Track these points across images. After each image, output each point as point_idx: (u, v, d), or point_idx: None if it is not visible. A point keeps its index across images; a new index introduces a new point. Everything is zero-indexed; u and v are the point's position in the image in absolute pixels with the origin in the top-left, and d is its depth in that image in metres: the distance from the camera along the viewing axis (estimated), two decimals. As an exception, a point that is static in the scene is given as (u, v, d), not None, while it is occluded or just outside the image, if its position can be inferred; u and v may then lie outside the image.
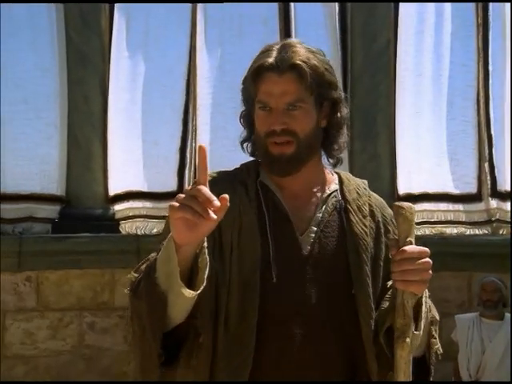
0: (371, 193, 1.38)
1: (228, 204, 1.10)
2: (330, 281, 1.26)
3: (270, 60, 1.28)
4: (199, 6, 3.56)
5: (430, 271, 1.20)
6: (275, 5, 3.61)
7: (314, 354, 1.27)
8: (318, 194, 1.33)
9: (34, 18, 3.37)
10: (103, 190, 3.39)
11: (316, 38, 3.65)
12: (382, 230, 1.34)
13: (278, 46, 1.31)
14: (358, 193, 1.35)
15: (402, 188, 3.59)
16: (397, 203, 1.22)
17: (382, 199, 1.39)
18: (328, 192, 1.33)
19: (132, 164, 3.35)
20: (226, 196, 1.09)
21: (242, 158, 3.39)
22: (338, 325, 1.28)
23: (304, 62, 1.28)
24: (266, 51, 1.30)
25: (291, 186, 1.33)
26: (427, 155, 3.59)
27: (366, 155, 3.63)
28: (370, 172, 3.58)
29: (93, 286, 3.22)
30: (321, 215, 1.31)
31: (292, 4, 3.65)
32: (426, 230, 3.53)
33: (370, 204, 1.34)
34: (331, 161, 1.36)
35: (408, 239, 1.20)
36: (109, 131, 3.41)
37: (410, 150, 3.61)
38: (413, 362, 1.22)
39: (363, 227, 1.33)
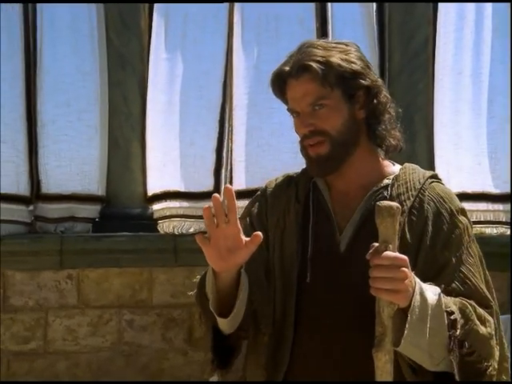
0: (433, 186, 1.33)
1: (261, 239, 1.14)
2: (363, 281, 1.25)
3: (286, 68, 1.31)
4: (236, 8, 3.58)
5: (407, 281, 1.13)
6: (311, 5, 3.61)
7: (341, 355, 1.28)
8: (367, 191, 1.33)
9: (75, 23, 3.45)
10: (142, 189, 3.46)
11: (353, 37, 3.62)
12: (430, 227, 1.29)
13: (295, 51, 1.34)
14: (407, 187, 1.32)
15: (441, 188, 3.55)
16: (378, 202, 1.16)
17: (447, 193, 1.34)
18: (375, 188, 1.32)
19: (169, 164, 3.41)
20: (259, 233, 1.13)
21: (277, 158, 3.45)
22: (366, 326, 1.26)
23: (315, 60, 1.30)
24: (286, 60, 1.33)
25: (340, 185, 1.34)
26: (466, 154, 3.54)
27: (404, 154, 3.55)
28: (408, 172, 3.56)
29: (131, 284, 3.29)
30: (360, 213, 1.31)
31: (329, 4, 3.64)
32: (465, 230, 3.49)
33: (419, 199, 1.31)
34: (383, 150, 1.34)
35: (385, 243, 1.13)
36: (147, 132, 3.47)
37: (448, 149, 3.56)
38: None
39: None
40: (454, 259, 1.29)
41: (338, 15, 3.66)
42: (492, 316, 1.28)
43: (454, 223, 1.31)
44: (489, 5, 3.66)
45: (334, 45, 1.38)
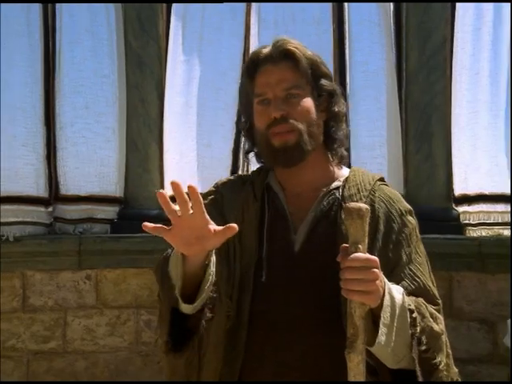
0: (382, 187, 1.35)
1: (235, 230, 1.14)
2: (318, 279, 1.28)
3: (265, 51, 1.31)
4: (253, 9, 3.60)
5: (378, 282, 1.13)
6: (328, 5, 3.62)
7: (301, 354, 1.28)
8: (319, 193, 1.34)
9: (93, 26, 3.48)
10: (159, 191, 3.48)
11: (370, 37, 3.64)
12: (382, 227, 1.30)
13: (272, 42, 1.35)
14: (358, 189, 1.33)
15: (458, 189, 3.53)
16: (346, 204, 1.15)
17: (395, 194, 1.35)
18: (326, 190, 1.34)
19: (186, 166, 3.43)
20: (234, 226, 1.13)
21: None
22: (324, 322, 1.29)
23: (297, 49, 1.31)
24: (260, 47, 1.34)
25: (293, 186, 1.35)
26: (484, 155, 3.52)
27: (421, 155, 3.58)
28: (425, 172, 3.54)
29: (149, 285, 3.32)
30: (313, 214, 1.32)
31: (345, 4, 3.64)
32: (483, 232, 3.47)
33: (371, 199, 1.32)
34: (334, 157, 1.35)
35: (355, 245, 1.13)
36: (164, 134, 3.50)
37: (466, 150, 3.55)
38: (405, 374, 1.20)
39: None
40: (404, 257, 1.30)
41: (354, 16, 3.66)
42: (440, 313, 1.30)
43: (403, 223, 1.32)
44: (507, 5, 3.63)
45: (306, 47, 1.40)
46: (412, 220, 1.36)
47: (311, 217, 1.32)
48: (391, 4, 3.71)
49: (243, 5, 3.62)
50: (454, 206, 3.54)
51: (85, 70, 3.44)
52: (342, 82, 3.52)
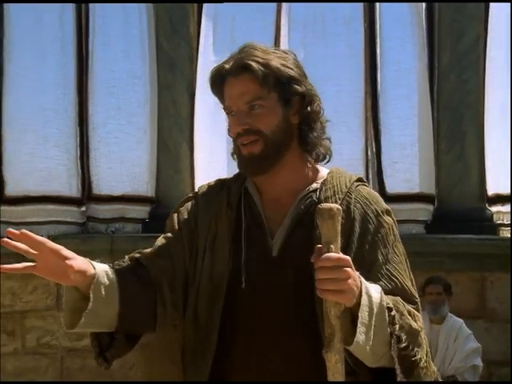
0: (359, 189, 1.33)
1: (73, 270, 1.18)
2: (297, 283, 1.26)
3: (226, 66, 1.31)
4: (284, 9, 3.61)
5: (351, 281, 1.14)
6: (359, 5, 3.61)
7: (283, 359, 1.28)
8: (297, 196, 1.34)
9: (126, 28, 3.53)
10: (190, 190, 3.50)
11: (402, 36, 3.62)
12: (357, 228, 1.30)
13: (236, 51, 1.35)
14: (334, 191, 1.32)
15: (491, 188, 3.49)
16: (319, 205, 1.15)
17: (372, 195, 1.34)
18: (304, 193, 1.33)
19: (216, 165, 3.45)
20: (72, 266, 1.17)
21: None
22: (303, 325, 1.27)
23: (255, 61, 1.29)
24: (227, 59, 1.34)
25: (270, 190, 1.34)
26: (518, 154, 3.47)
27: (453, 155, 3.55)
28: (457, 172, 3.51)
29: (180, 284, 3.34)
30: (291, 218, 1.32)
31: (377, 3, 3.63)
32: (517, 232, 3.42)
33: (346, 201, 1.31)
34: (313, 157, 1.35)
35: (327, 245, 1.12)
36: (195, 134, 3.53)
37: (499, 149, 3.50)
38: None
39: None
40: (380, 258, 1.28)
41: (386, 15, 3.65)
42: (418, 311, 1.29)
43: (379, 223, 1.29)
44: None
45: (272, 50, 1.37)
46: (389, 220, 1.33)
47: (288, 221, 1.31)
48: (423, 3, 3.69)
49: (274, 5, 3.63)
50: (487, 206, 3.50)
51: (117, 71, 3.49)
52: (373, 81, 3.52)
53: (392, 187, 3.49)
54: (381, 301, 1.21)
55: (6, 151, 3.28)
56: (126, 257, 1.39)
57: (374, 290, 1.22)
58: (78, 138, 3.39)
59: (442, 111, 3.57)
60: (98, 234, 3.38)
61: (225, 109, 1.33)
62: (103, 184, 3.41)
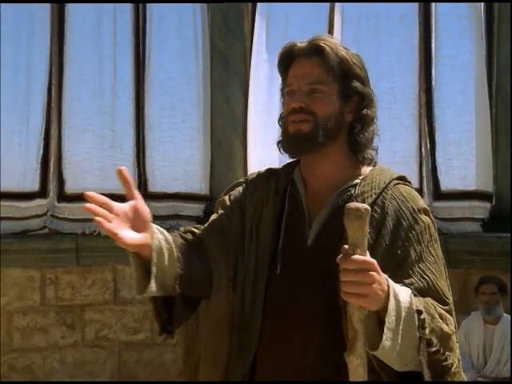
0: (398, 187, 1.33)
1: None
2: (326, 276, 1.26)
3: (300, 45, 1.34)
4: (337, 6, 3.59)
5: (376, 285, 1.11)
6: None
7: (305, 343, 1.29)
8: (336, 189, 1.35)
9: (181, 29, 3.59)
10: (243, 188, 3.55)
11: (458, 30, 3.54)
12: (389, 223, 1.29)
13: (310, 38, 1.36)
14: (371, 186, 1.33)
15: (551, 186, 3.39)
16: (347, 204, 1.13)
17: (410, 193, 1.33)
18: (344, 187, 1.34)
19: (269, 162, 3.44)
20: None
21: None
22: (328, 320, 1.28)
23: (329, 46, 1.32)
24: (300, 41, 1.36)
25: (313, 182, 1.37)
26: None
27: (516, 149, 3.45)
28: (516, 169, 3.41)
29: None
30: (327, 210, 1.33)
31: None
32: None
33: (382, 197, 1.31)
34: (358, 158, 1.35)
35: (353, 247, 1.10)
36: (248, 132, 3.56)
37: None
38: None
39: None
40: (413, 254, 1.27)
41: (441, 9, 3.58)
42: (450, 314, 1.25)
43: (414, 220, 1.28)
44: None
45: (345, 46, 1.40)
46: (425, 219, 1.32)
47: (325, 213, 1.33)
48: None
49: (327, 3, 3.61)
50: (549, 204, 3.39)
51: (172, 71, 3.55)
52: (428, 77, 3.46)
53: (447, 184, 3.43)
54: (410, 304, 1.20)
55: (65, 151, 3.38)
56: (181, 229, 1.44)
57: (405, 293, 1.21)
58: (135, 137, 3.46)
59: (500, 107, 3.48)
60: (153, 230, 3.45)
61: (284, 87, 1.36)
62: (158, 182, 3.48)
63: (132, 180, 1.25)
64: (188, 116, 3.52)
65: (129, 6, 3.50)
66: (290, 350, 1.31)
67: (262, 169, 1.47)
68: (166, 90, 3.54)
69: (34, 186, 3.35)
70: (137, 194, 1.24)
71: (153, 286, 1.26)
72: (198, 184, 3.51)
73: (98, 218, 1.17)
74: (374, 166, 1.41)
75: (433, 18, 3.54)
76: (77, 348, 3.40)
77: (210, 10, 3.61)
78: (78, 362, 3.41)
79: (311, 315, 1.31)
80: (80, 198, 3.38)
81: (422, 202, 1.36)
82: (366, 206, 1.11)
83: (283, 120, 1.37)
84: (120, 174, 1.22)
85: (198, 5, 3.60)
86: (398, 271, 1.25)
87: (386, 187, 1.33)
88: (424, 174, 3.41)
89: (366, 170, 1.38)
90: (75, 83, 3.42)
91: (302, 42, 1.37)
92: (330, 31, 3.56)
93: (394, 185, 1.34)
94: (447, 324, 1.25)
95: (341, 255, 1.12)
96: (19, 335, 3.36)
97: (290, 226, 1.36)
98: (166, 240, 1.29)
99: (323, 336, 1.29)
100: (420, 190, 3.38)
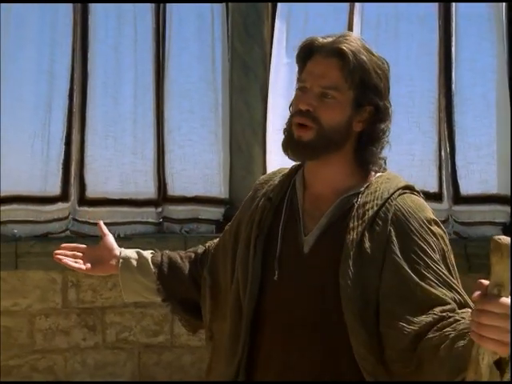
0: (403, 197, 1.28)
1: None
2: (321, 284, 1.26)
3: (322, 40, 1.30)
4: (357, 8, 3.57)
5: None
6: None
7: (300, 357, 1.29)
8: (338, 196, 1.32)
9: (201, 33, 3.61)
10: (262, 192, 3.55)
11: (478, 33, 3.51)
12: (394, 239, 1.24)
13: (338, 34, 1.33)
14: (374, 196, 1.29)
15: None
16: (495, 237, 1.00)
17: (418, 204, 1.28)
18: (346, 195, 1.31)
19: (288, 167, 3.47)
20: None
21: (392, 160, 3.39)
22: (323, 328, 1.27)
23: (352, 51, 1.27)
24: (325, 36, 1.32)
25: (315, 185, 1.34)
26: None
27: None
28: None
29: (250, 284, 3.39)
30: (327, 219, 1.31)
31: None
32: None
33: (386, 208, 1.26)
34: (364, 169, 1.32)
35: (498, 287, 0.98)
36: (268, 136, 3.56)
37: None
38: None
39: (354, 234, 1.25)
40: (433, 266, 1.22)
41: (462, 11, 3.54)
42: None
43: (426, 233, 1.24)
44: None
45: (373, 52, 1.35)
46: (437, 230, 1.27)
47: (324, 221, 1.31)
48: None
49: (346, 4, 3.60)
50: None
51: (191, 75, 3.57)
52: (447, 81, 3.43)
53: (467, 188, 3.40)
54: None
55: (87, 156, 3.43)
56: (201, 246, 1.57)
57: None
58: (155, 142, 3.50)
59: (524, 112, 3.44)
60: (173, 233, 3.49)
61: (299, 81, 1.35)
62: (177, 185, 3.51)
63: (104, 227, 1.59)
64: (207, 120, 3.54)
65: (149, 15, 3.54)
66: (289, 360, 1.32)
67: (272, 171, 1.48)
68: (185, 94, 3.57)
69: (55, 190, 3.41)
70: (106, 231, 1.56)
71: (124, 295, 1.59)
72: (217, 188, 3.54)
73: (64, 259, 1.53)
74: (384, 171, 1.37)
75: (453, 21, 3.51)
76: (98, 350, 3.45)
77: (229, 15, 3.63)
78: (99, 364, 3.46)
79: (304, 328, 1.31)
80: (101, 202, 3.45)
81: (431, 213, 1.31)
82: None
83: (289, 117, 1.35)
84: (99, 226, 1.61)
85: (217, 9, 3.61)
86: (417, 288, 1.21)
87: (389, 198, 1.29)
88: (444, 177, 3.38)
89: (372, 177, 1.35)
90: (97, 90, 3.47)
91: (325, 37, 1.32)
92: (349, 34, 3.55)
93: (399, 195, 1.30)
94: None
95: (480, 292, 1.02)
96: (41, 337, 3.42)
97: (288, 232, 1.36)
98: (139, 259, 1.55)
99: (316, 347, 1.30)
100: (439, 194, 3.36)
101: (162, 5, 3.55)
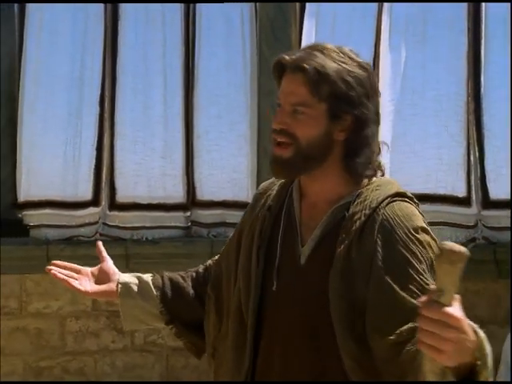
0: (392, 205, 1.27)
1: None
2: (317, 294, 1.28)
3: (287, 58, 1.30)
4: (385, 9, 3.54)
5: (455, 345, 0.98)
6: (463, 4, 3.48)
7: (298, 367, 1.32)
8: (332, 206, 1.32)
9: (229, 38, 3.64)
10: (289, 196, 3.56)
11: (504, 34, 3.45)
12: (380, 250, 1.23)
13: (307, 46, 1.33)
14: (363, 206, 1.28)
15: None
16: (442, 243, 0.98)
17: (406, 212, 1.26)
18: (338, 205, 1.31)
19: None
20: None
21: (421, 164, 3.40)
22: (317, 341, 1.30)
23: (315, 67, 1.26)
24: (295, 50, 1.34)
25: (310, 194, 1.34)
26: None
27: None
28: None
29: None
30: (321, 229, 1.31)
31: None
32: None
33: (373, 219, 1.25)
34: (354, 176, 1.31)
35: (439, 292, 0.97)
36: (295, 140, 3.57)
37: None
38: None
39: (342, 246, 1.25)
40: (415, 276, 1.21)
41: (492, 14, 3.49)
42: None
43: (410, 240, 1.23)
44: None
45: (346, 59, 1.31)
46: (424, 237, 1.26)
47: (318, 232, 1.32)
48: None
49: (375, 6, 3.57)
50: None
51: (220, 80, 3.60)
52: (476, 84, 3.39)
53: (496, 193, 3.35)
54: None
55: (117, 161, 3.48)
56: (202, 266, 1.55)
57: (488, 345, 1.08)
58: (184, 147, 3.53)
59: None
60: (200, 238, 3.52)
61: (277, 98, 1.37)
62: (205, 190, 3.54)
63: (103, 250, 1.59)
64: (235, 124, 3.57)
65: (178, 20, 3.58)
66: (286, 368, 1.34)
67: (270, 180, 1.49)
68: (213, 99, 3.60)
69: (87, 195, 3.47)
70: (105, 256, 1.46)
71: (123, 323, 1.58)
72: (245, 192, 3.56)
73: (62, 277, 1.60)
74: (382, 175, 1.37)
75: (482, 24, 3.47)
76: (126, 352, 3.50)
77: (257, 19, 3.65)
78: (128, 366, 3.51)
79: (306, 336, 1.33)
80: (130, 206, 3.49)
81: (421, 221, 1.30)
82: (463, 249, 0.97)
83: (272, 134, 1.37)
84: (97, 246, 1.62)
85: (246, 14, 3.64)
86: (398, 299, 1.22)
87: (377, 207, 1.29)
88: (472, 182, 3.34)
89: (364, 184, 1.35)
90: (127, 96, 3.52)
91: (294, 52, 1.33)
92: (377, 38, 3.53)
93: (388, 203, 1.30)
94: None
95: (424, 298, 1.01)
96: (72, 339, 3.48)
97: (286, 242, 1.37)
98: (139, 284, 1.57)
99: (318, 358, 1.31)
100: (468, 199, 3.32)
101: (191, 8, 3.59)
